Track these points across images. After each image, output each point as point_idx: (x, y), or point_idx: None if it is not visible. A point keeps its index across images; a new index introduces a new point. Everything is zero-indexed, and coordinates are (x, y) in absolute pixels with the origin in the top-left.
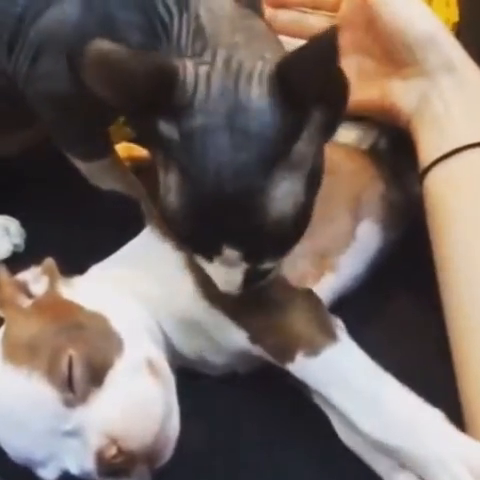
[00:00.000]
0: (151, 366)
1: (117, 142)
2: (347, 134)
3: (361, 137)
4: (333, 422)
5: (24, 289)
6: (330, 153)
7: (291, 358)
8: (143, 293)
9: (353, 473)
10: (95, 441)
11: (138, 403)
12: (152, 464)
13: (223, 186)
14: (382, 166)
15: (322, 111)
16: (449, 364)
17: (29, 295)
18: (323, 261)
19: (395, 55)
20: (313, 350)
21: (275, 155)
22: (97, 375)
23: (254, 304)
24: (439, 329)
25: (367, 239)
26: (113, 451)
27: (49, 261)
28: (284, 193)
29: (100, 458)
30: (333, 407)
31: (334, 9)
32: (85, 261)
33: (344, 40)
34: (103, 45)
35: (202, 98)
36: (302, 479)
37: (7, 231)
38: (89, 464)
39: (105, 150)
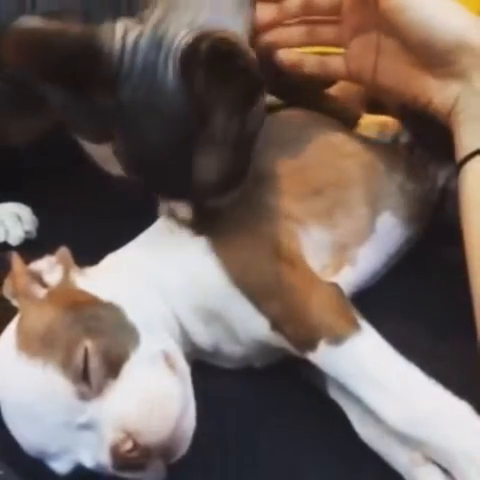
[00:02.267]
0: (167, 359)
1: None
2: (368, 129)
3: (382, 131)
4: (350, 416)
5: (38, 278)
6: (347, 141)
7: (313, 347)
8: (160, 282)
9: (371, 467)
10: (110, 435)
11: (154, 396)
12: (167, 458)
13: (150, 157)
14: (400, 158)
15: (238, 88)
16: (472, 358)
17: (43, 285)
18: (342, 253)
19: (424, 58)
20: (336, 339)
21: (191, 134)
22: (113, 367)
23: (277, 292)
24: (460, 322)
25: (386, 232)
26: (129, 445)
27: (63, 250)
28: (206, 164)
29: (115, 452)
30: (351, 401)
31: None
32: (98, 250)
33: (361, 16)
34: (27, 22)
35: (126, 73)
36: (318, 474)
37: (19, 218)
38: (104, 458)
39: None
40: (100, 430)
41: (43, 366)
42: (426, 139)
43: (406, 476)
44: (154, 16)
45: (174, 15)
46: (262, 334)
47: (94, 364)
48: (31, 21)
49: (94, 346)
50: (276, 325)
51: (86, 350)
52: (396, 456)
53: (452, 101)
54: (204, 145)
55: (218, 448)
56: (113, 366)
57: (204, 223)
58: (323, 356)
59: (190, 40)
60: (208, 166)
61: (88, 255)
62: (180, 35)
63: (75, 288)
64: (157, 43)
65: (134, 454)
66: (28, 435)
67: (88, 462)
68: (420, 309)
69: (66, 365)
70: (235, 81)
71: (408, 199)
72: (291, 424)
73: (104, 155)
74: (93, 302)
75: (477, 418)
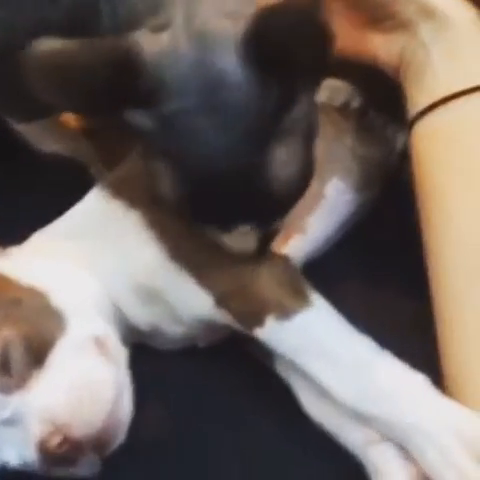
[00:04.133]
0: (99, 344)
1: None
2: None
3: (333, 95)
4: (299, 395)
5: None
6: None
7: (260, 323)
8: (92, 262)
9: (324, 446)
10: (37, 429)
11: (84, 385)
12: (101, 451)
13: (219, 168)
14: (351, 121)
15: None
16: (427, 329)
17: None
18: (291, 222)
19: (369, 12)
20: (285, 314)
21: (264, 128)
22: (37, 356)
23: (221, 265)
24: (417, 291)
25: (337, 198)
26: (57, 440)
27: None
28: (284, 158)
29: (43, 448)
30: (300, 379)
31: None
32: (22, 229)
33: None
34: (45, 45)
35: (172, 78)
36: (273, 454)
37: None
38: (31, 455)
39: (43, 110)
40: (25, 425)
41: None
42: (379, 101)
43: (361, 456)
44: (178, 13)
45: (201, 7)
46: (205, 311)
47: (15, 354)
48: (49, 43)
49: (15, 334)
50: (220, 301)
51: (5, 339)
52: (349, 436)
53: (398, 55)
54: (280, 137)
55: (165, 437)
56: (37, 355)
57: (139, 196)
58: (271, 332)
59: (250, 24)
60: (286, 162)
61: (12, 235)
62: (227, 24)
63: None
64: (200, 37)
65: (64, 448)
66: None
67: (14, 460)
68: (377, 275)
69: None
70: (309, 54)
71: (360, 164)
72: (241, 403)
73: (34, 133)
74: (13, 287)
75: (435, 391)
